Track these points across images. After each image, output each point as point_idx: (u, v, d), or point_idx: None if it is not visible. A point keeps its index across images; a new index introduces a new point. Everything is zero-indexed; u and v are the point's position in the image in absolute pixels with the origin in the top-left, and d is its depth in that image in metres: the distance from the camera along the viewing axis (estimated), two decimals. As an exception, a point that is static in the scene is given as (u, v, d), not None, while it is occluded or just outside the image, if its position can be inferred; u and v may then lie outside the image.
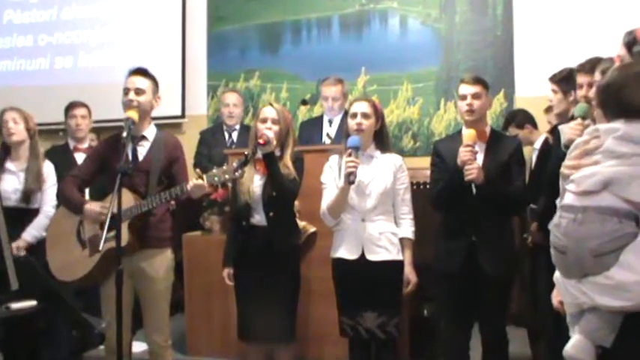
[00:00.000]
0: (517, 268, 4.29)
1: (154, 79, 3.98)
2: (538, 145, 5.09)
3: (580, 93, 3.65)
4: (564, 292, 2.43)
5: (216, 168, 3.65)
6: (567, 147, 2.66)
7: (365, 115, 3.82)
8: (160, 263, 3.90)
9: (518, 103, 6.35)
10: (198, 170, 3.71)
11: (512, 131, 5.47)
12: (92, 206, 3.84)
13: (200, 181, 3.61)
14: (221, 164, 3.75)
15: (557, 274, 2.49)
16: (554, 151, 3.60)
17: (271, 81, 7.22)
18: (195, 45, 7.38)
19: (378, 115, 3.88)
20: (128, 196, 3.70)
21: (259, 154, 3.87)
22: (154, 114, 4.03)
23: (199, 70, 7.37)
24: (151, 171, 3.86)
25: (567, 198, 2.39)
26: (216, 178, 3.62)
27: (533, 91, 6.15)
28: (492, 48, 6.57)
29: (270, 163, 3.82)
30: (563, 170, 2.38)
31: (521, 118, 5.47)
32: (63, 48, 7.78)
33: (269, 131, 3.84)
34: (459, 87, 3.90)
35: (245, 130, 6.07)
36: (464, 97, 3.82)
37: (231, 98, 6.14)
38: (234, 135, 6.13)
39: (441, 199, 3.83)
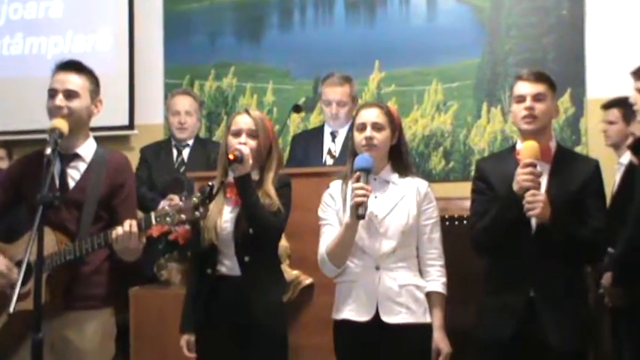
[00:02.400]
0: (593, 337, 4.25)
1: (93, 76, 3.96)
2: (626, 160, 5.05)
3: None
4: None
5: (169, 204, 3.60)
6: None
7: (377, 126, 3.82)
8: (95, 330, 3.85)
9: (590, 107, 6.33)
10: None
11: (611, 116, 5.41)
12: None
13: (129, 227, 3.57)
14: (164, 193, 3.71)
15: None
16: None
17: (252, 79, 7.23)
18: (147, 29, 7.40)
19: (395, 126, 3.88)
20: (50, 237, 3.65)
21: (230, 177, 3.85)
22: (93, 123, 4.00)
23: (153, 64, 7.39)
24: (85, 203, 3.82)
25: None
26: (168, 219, 3.58)
27: (610, 90, 6.11)
28: (555, 34, 6.57)
29: (245, 189, 3.79)
30: None
31: None
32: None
33: (243, 147, 3.82)
34: (514, 85, 3.91)
35: (200, 145, 6.03)
36: (522, 99, 3.82)
37: (182, 103, 6.08)
38: (186, 153, 6.08)
39: (487, 239, 3.81)
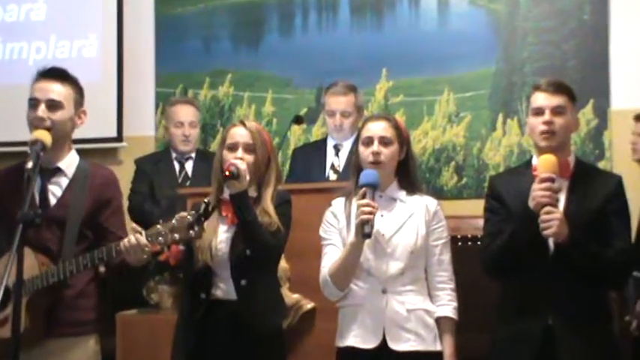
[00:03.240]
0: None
1: (78, 84, 3.95)
2: None
3: None
4: None
5: (161, 222, 3.59)
6: None
7: (384, 140, 3.82)
8: (78, 359, 3.83)
9: (615, 119, 6.32)
10: (134, 225, 3.66)
11: None
12: None
13: (142, 239, 3.57)
14: (172, 209, 3.69)
15: None
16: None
17: (250, 88, 7.23)
18: (137, 34, 7.40)
19: (403, 140, 3.88)
20: (31, 259, 3.64)
21: (226, 194, 3.84)
22: (76, 135, 3.99)
23: (143, 72, 7.38)
24: (68, 221, 3.81)
25: None
26: (160, 239, 3.58)
27: (636, 101, 6.15)
28: (576, 39, 6.57)
29: (242, 207, 3.79)
30: None
31: None
32: None
33: (240, 162, 3.82)
34: (531, 96, 3.88)
35: (203, 157, 6.02)
36: (539, 112, 3.79)
37: (186, 113, 6.07)
38: (189, 166, 6.08)
39: (500, 261, 3.78)
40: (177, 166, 6.09)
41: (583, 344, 3.62)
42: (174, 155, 6.11)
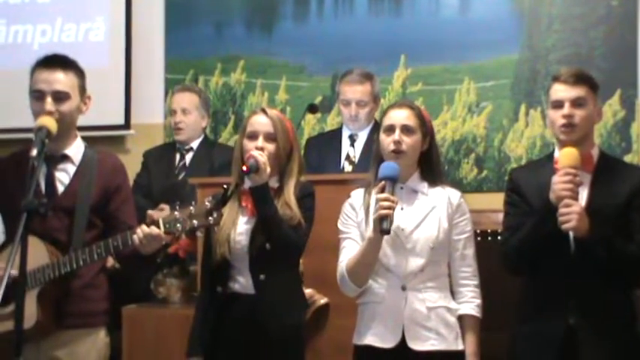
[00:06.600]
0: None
1: (79, 69, 3.95)
2: None
3: None
4: None
5: (178, 209, 3.60)
6: None
7: (407, 129, 3.80)
8: (87, 351, 3.86)
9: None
10: (150, 212, 3.67)
11: None
12: None
13: (155, 230, 3.58)
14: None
15: None
16: None
17: (263, 74, 7.22)
18: (146, 18, 7.39)
19: (427, 130, 3.87)
20: (40, 248, 3.66)
21: (246, 185, 3.84)
22: (82, 123, 4.00)
23: (152, 57, 7.38)
24: (76, 209, 3.82)
25: None
26: (178, 225, 3.58)
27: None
28: (604, 27, 6.53)
29: (262, 201, 3.78)
30: None
31: None
32: None
33: (259, 154, 3.81)
34: (550, 88, 3.87)
35: (206, 149, 5.99)
36: (559, 105, 3.79)
37: (179, 101, 6.04)
38: (189, 157, 6.06)
39: (520, 257, 3.79)
40: (178, 157, 6.07)
41: (606, 346, 3.62)
42: (177, 146, 6.10)
